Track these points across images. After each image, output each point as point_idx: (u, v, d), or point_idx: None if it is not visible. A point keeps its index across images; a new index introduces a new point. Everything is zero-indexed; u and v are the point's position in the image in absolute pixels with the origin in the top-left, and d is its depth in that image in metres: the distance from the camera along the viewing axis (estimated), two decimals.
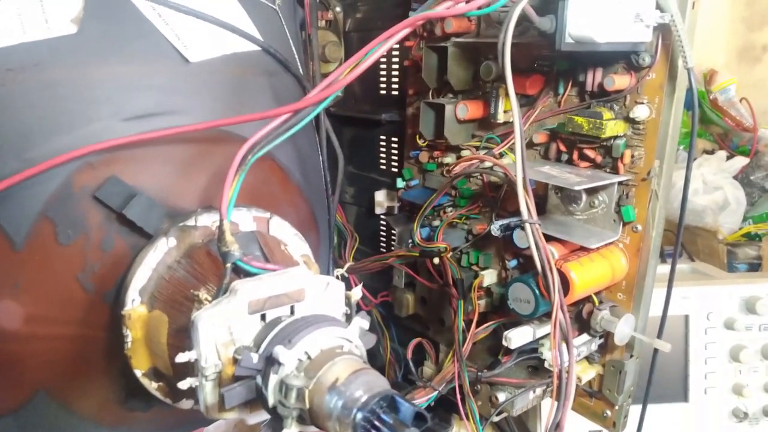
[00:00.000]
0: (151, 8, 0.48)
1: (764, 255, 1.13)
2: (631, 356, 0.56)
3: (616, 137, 0.52)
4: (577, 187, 0.48)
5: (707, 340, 0.76)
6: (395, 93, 0.77)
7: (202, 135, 0.45)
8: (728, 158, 1.27)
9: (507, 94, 0.59)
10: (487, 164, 0.54)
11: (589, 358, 0.58)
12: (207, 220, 0.42)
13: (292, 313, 0.37)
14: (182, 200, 0.44)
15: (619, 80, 0.51)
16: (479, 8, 0.38)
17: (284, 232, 0.45)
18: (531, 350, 0.59)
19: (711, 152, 1.33)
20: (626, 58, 0.51)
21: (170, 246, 0.41)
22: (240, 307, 0.35)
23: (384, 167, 0.83)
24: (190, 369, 0.35)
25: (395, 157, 0.80)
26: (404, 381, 0.72)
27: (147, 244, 0.41)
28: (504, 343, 0.56)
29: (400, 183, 0.73)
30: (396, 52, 0.76)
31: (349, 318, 0.40)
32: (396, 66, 0.77)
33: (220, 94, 0.49)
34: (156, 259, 0.40)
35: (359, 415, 0.30)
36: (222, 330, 0.35)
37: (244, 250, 0.39)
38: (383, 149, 0.82)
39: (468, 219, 0.67)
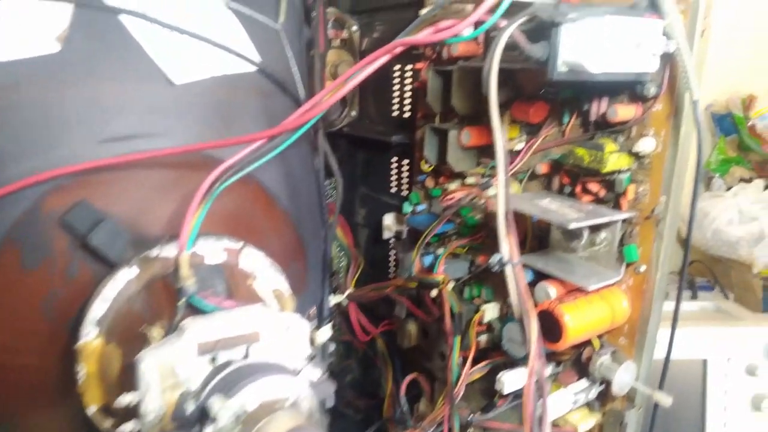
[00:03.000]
0: (141, 27, 0.48)
1: None
2: (633, 406, 0.52)
3: (619, 171, 0.49)
4: (571, 225, 0.45)
5: (727, 386, 0.70)
6: (407, 115, 0.76)
7: (182, 159, 0.44)
8: (766, 187, 1.20)
9: (510, 122, 0.57)
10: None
11: (589, 406, 0.54)
12: (173, 251, 0.41)
13: (247, 355, 0.35)
14: (155, 227, 0.43)
15: (624, 111, 0.48)
16: (455, 35, 0.36)
17: (257, 263, 0.43)
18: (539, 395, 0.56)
19: (748, 180, 1.26)
20: (632, 88, 0.47)
21: (131, 276, 0.39)
22: (188, 348, 0.33)
23: (394, 190, 0.80)
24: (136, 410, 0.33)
25: (406, 181, 0.78)
26: (402, 416, 0.69)
27: (109, 273, 0.40)
28: (496, 386, 0.53)
29: (406, 207, 0.71)
30: (409, 74, 0.75)
31: (313, 360, 0.38)
32: (408, 88, 0.75)
33: (206, 116, 0.47)
34: (116, 289, 0.39)
35: None
36: (167, 372, 0.33)
37: (206, 284, 0.38)
38: (394, 172, 0.80)
39: (471, 249, 0.64)
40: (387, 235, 0.75)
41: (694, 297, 1.13)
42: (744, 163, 1.33)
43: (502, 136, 0.38)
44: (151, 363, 0.32)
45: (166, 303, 0.38)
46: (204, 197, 0.37)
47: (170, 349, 0.33)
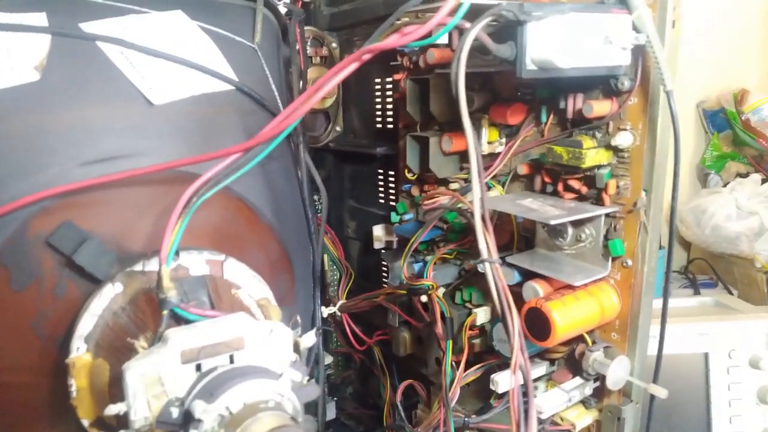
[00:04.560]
0: (118, 52, 0.49)
1: None
2: (630, 401, 0.52)
3: (599, 167, 0.49)
4: (552, 222, 0.46)
5: (731, 380, 0.70)
6: (390, 126, 0.76)
7: (162, 177, 0.44)
8: (763, 181, 1.20)
9: (490, 124, 0.58)
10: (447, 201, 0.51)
11: (584, 403, 0.54)
12: (157, 265, 0.41)
13: (231, 362, 0.36)
14: (139, 243, 0.43)
15: (599, 106, 0.48)
16: (422, 38, 0.37)
17: (240, 275, 0.43)
18: (524, 393, 0.55)
19: (745, 175, 1.26)
20: (605, 83, 0.48)
21: (117, 292, 0.40)
22: (172, 356, 0.34)
23: (382, 201, 0.81)
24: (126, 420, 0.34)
25: (393, 191, 0.79)
26: (400, 424, 0.69)
27: (95, 289, 0.40)
28: (491, 386, 0.53)
29: (394, 217, 0.71)
30: (390, 86, 0.75)
31: (297, 364, 0.38)
32: (390, 99, 0.76)
33: (186, 135, 0.48)
34: (101, 305, 0.39)
35: None
36: (153, 381, 0.33)
37: (191, 295, 0.38)
38: (381, 183, 0.81)
39: (460, 254, 0.64)
40: (378, 245, 0.76)
41: (696, 294, 1.13)
42: (739, 158, 1.33)
43: (473, 136, 0.38)
44: (136, 373, 0.33)
45: (150, 315, 0.38)
46: (182, 212, 0.38)
47: (154, 359, 0.33)
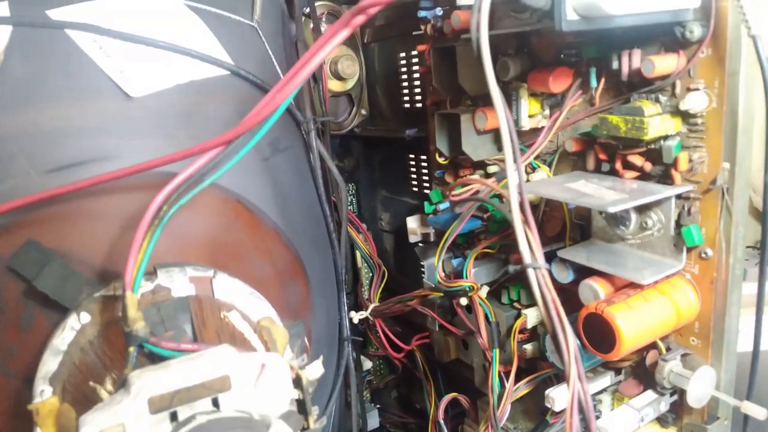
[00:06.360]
0: (91, 40, 0.42)
1: None
2: (717, 418, 0.43)
3: (666, 138, 0.40)
4: (610, 209, 0.37)
5: None
6: (419, 106, 0.68)
7: (139, 181, 0.38)
8: None
9: (531, 95, 0.49)
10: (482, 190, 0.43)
11: (661, 421, 0.45)
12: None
13: (216, 406, 0.29)
14: (117, 263, 0.37)
15: (662, 63, 0.39)
16: None
17: (233, 292, 0.36)
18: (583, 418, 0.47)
19: None
20: (669, 33, 0.39)
21: (84, 322, 0.34)
22: (136, 406, 0.27)
23: (416, 189, 0.73)
24: None
25: (426, 178, 0.71)
26: None
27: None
28: (546, 403, 0.45)
29: (428, 207, 0.63)
30: (416, 59, 0.67)
31: (302, 405, 0.32)
32: (417, 75, 0.68)
33: (168, 130, 0.42)
34: (66, 340, 0.33)
35: None
36: None
37: (169, 323, 0.32)
38: (413, 170, 0.73)
39: (503, 247, 0.56)
40: (413, 239, 0.68)
41: None
42: None
43: (503, 107, 0.30)
44: (93, 428, 0.26)
45: (120, 352, 0.32)
46: (151, 224, 0.31)
47: (116, 409, 0.27)
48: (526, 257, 0.31)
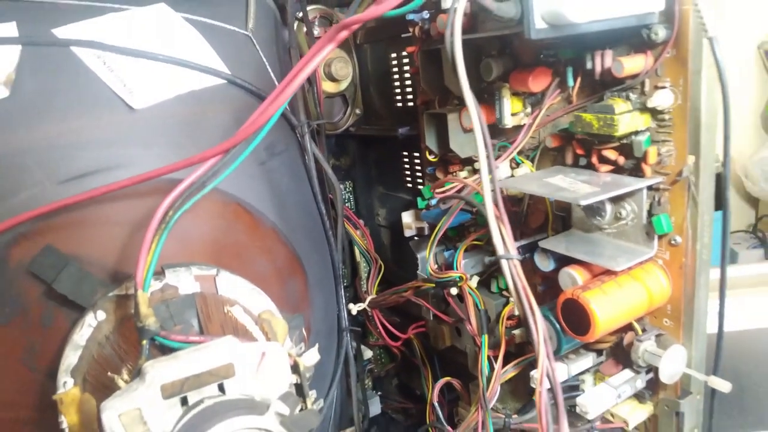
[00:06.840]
0: (95, 56, 0.45)
1: None
2: (689, 393, 0.46)
3: (636, 133, 0.43)
4: (582, 201, 0.40)
5: None
6: (411, 105, 0.71)
7: (147, 188, 0.41)
8: None
9: (513, 94, 0.51)
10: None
11: (638, 397, 0.48)
12: None
13: (222, 391, 0.32)
14: (128, 265, 0.40)
15: (630, 63, 0.42)
16: (401, 5, 0.31)
17: (236, 288, 0.39)
18: (570, 388, 0.50)
19: None
20: (636, 35, 0.41)
21: (100, 320, 0.37)
22: (151, 392, 0.30)
23: (410, 185, 0.76)
24: None
25: (419, 174, 0.74)
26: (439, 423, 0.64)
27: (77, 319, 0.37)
28: (531, 384, 0.48)
29: (421, 203, 0.66)
30: (406, 60, 0.70)
31: (299, 389, 0.35)
32: (408, 75, 0.70)
33: (172, 139, 0.45)
34: (84, 336, 0.37)
35: None
36: (134, 420, 0.30)
37: (177, 318, 0.35)
38: (407, 166, 0.76)
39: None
40: (408, 233, 0.71)
41: None
42: None
43: (476, 109, 0.33)
44: (113, 413, 0.30)
45: (134, 345, 0.35)
46: (158, 228, 0.34)
47: (133, 396, 0.30)
48: (500, 249, 0.34)
